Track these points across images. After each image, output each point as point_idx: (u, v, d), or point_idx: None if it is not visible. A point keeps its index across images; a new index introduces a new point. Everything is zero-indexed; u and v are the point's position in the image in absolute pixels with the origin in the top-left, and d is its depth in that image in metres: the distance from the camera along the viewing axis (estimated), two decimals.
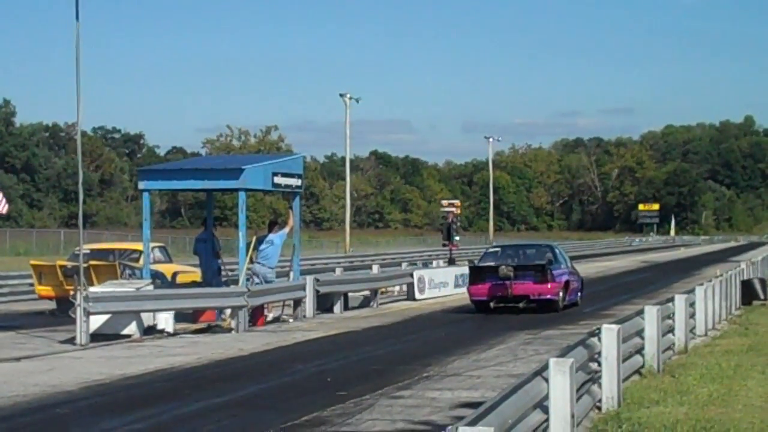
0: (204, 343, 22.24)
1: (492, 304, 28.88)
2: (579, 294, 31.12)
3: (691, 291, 22.12)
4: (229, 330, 24.27)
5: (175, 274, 28.83)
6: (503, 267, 28.47)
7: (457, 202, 49.72)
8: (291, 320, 27.02)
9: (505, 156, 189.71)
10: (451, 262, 43.42)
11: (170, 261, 31.12)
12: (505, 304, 28.73)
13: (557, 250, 31.28)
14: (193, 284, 27.41)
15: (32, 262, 30.56)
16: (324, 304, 28.85)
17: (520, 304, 28.61)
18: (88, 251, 27.90)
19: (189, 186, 29.40)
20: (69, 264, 27.43)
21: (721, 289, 25.01)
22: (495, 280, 28.54)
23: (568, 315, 27.98)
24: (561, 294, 29.02)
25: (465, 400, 14.48)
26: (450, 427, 7.71)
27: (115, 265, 26.99)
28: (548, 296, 28.65)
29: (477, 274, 29.22)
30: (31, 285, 29.29)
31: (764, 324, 24.50)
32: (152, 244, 28.55)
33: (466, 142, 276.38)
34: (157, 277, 26.82)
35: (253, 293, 24.74)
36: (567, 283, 29.59)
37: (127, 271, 27.22)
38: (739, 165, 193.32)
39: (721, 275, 26.80)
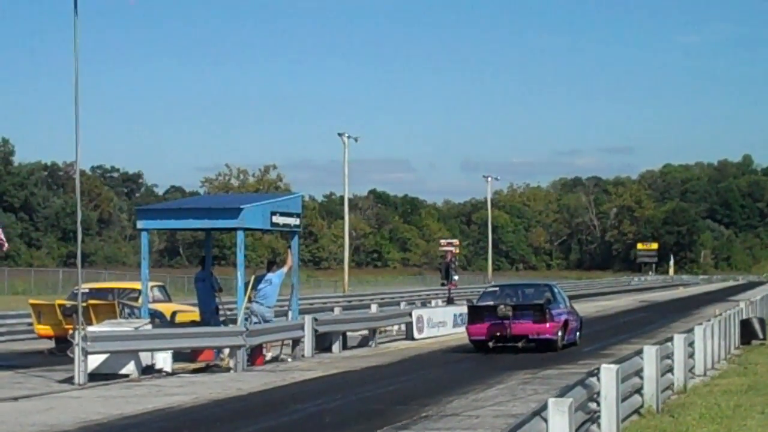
0: (202, 382, 22.19)
1: (491, 344, 28.85)
2: (578, 333, 31.10)
3: (690, 331, 22.11)
4: (228, 369, 24.23)
5: (174, 314, 28.82)
6: (502, 306, 28.48)
7: (455, 241, 49.78)
8: (289, 360, 26.98)
9: (504, 195, 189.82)
10: (449, 301, 43.38)
11: (169, 300, 31.13)
12: (503, 344, 28.70)
13: (556, 290, 31.30)
14: (192, 323, 27.39)
15: (31, 301, 30.56)
16: (322, 343, 28.82)
17: (519, 344, 28.56)
18: (87, 290, 27.92)
19: (188, 225, 29.41)
20: (68, 303, 27.44)
21: (720, 329, 24.98)
22: (494, 319, 28.53)
23: (566, 354, 27.94)
24: (560, 333, 29.02)
25: None
26: None
27: (114, 304, 26.99)
28: (547, 336, 28.63)
29: (476, 314, 29.20)
30: (30, 324, 29.27)
31: (763, 363, 24.47)
32: (151, 284, 28.56)
33: (465, 182, 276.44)
34: (156, 317, 26.80)
35: (251, 332, 24.71)
36: (566, 322, 29.58)
37: (126, 311, 27.21)
38: (738, 204, 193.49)
39: (720, 315, 26.78)
